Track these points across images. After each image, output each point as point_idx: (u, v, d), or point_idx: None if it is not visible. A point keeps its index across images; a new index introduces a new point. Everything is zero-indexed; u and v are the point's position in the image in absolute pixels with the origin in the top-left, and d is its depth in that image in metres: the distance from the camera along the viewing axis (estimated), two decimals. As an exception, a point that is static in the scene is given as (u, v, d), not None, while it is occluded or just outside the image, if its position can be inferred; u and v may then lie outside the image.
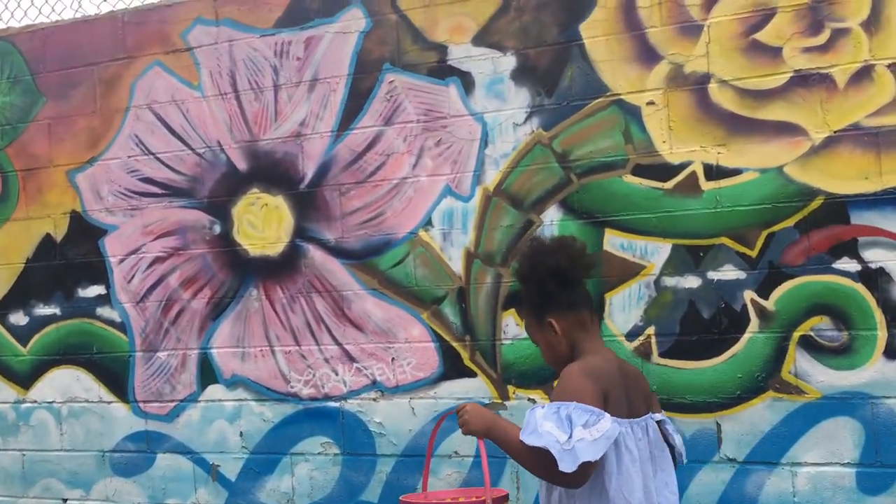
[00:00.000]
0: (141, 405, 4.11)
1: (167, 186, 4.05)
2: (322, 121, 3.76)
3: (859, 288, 3.01)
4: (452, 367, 3.56)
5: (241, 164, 3.91)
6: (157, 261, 4.07)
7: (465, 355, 3.55)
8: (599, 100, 3.32)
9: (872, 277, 2.99)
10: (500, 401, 3.51)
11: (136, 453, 4.12)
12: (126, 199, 4.13)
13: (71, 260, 4.24)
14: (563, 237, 2.78)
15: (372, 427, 3.69)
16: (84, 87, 4.18)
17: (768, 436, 3.13)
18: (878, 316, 2.98)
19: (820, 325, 3.06)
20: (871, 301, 2.99)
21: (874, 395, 2.99)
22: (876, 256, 2.98)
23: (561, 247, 2.40)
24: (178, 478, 4.03)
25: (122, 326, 4.14)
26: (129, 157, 4.12)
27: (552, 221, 3.41)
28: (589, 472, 2.13)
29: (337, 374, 3.75)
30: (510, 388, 3.49)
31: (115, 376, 4.16)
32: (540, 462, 2.14)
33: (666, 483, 2.31)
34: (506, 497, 2.35)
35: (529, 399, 3.45)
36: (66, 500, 4.26)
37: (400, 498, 2.44)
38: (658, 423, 2.38)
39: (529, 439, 2.13)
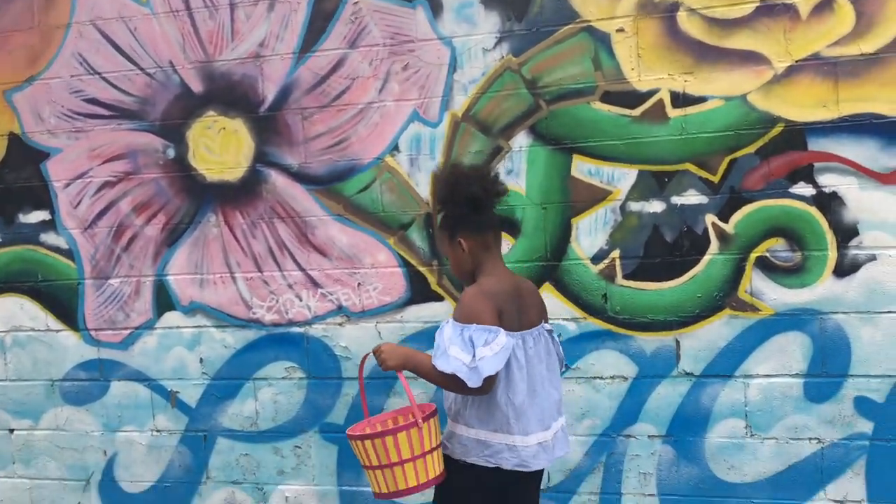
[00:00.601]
0: (92, 333, 4.01)
1: (115, 108, 3.89)
2: (283, 42, 3.66)
3: (813, 211, 3.19)
4: (419, 292, 3.61)
5: (196, 86, 3.79)
6: (106, 185, 3.93)
7: (432, 280, 3.60)
8: (569, 26, 3.35)
9: (826, 201, 3.17)
10: (466, 323, 3.58)
11: (89, 382, 4.04)
12: (70, 120, 3.95)
13: (10, 184, 4.05)
14: (479, 167, 3.02)
15: (337, 351, 3.73)
16: (21, 1, 3.93)
17: (724, 351, 3.33)
18: (830, 237, 3.18)
19: (775, 247, 3.25)
20: (824, 223, 3.18)
21: (823, 311, 3.21)
22: (830, 181, 3.17)
23: (478, 176, 2.71)
24: (135, 405, 3.99)
25: (69, 253, 4.00)
26: (73, 76, 3.93)
27: (521, 147, 3.45)
28: (493, 382, 2.54)
29: (301, 300, 3.75)
30: (477, 311, 3.56)
31: (62, 304, 4.04)
32: (451, 380, 2.53)
33: (551, 381, 2.71)
34: (434, 411, 2.66)
35: (496, 321, 3.54)
36: (13, 430, 4.15)
37: (346, 431, 2.73)
38: (548, 332, 2.78)
39: (441, 365, 2.52)
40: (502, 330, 2.54)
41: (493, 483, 2.62)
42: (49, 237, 4.02)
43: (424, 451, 2.56)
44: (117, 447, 4.03)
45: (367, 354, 2.80)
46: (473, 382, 2.47)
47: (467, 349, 2.48)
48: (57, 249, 4.02)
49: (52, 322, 4.06)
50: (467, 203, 2.64)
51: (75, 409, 4.07)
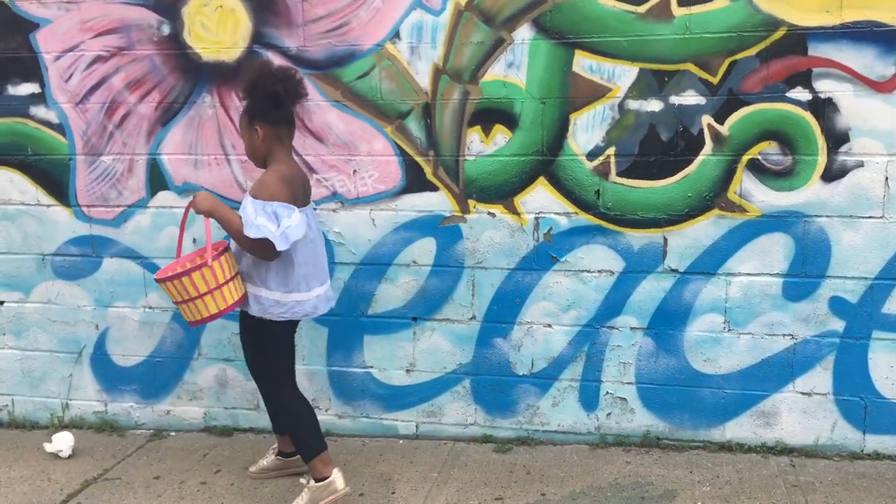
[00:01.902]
0: (84, 209, 4.02)
1: (107, -21, 3.78)
2: (284, -83, 3.56)
3: (807, 116, 3.27)
4: (415, 181, 3.66)
5: (193, -40, 3.68)
6: (98, 60, 3.87)
7: (427, 170, 3.65)
8: (580, -84, 3.30)
9: (820, 107, 3.24)
10: (460, 214, 3.65)
11: (80, 257, 4.07)
12: (60, -10, 3.84)
13: (-3, 55, 3.95)
14: (286, 68, 3.16)
15: (331, 237, 3.79)
16: None
17: (709, 249, 3.45)
18: (821, 142, 3.27)
19: (768, 150, 3.33)
20: (817, 128, 3.26)
21: (808, 213, 3.33)
22: (826, 87, 3.22)
23: (283, 76, 3.05)
24: (127, 282, 4.04)
25: (60, 128, 3.96)
26: (62, -57, 3.79)
27: (523, 40, 3.45)
28: (280, 252, 3.02)
29: (296, 184, 3.77)
30: (471, 203, 3.63)
31: (53, 179, 4.02)
32: (260, 246, 2.99)
33: (322, 250, 3.22)
34: (227, 247, 3.12)
35: (489, 213, 3.62)
36: (3, 302, 4.19)
37: (154, 276, 3.20)
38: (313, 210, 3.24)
39: (252, 233, 2.94)
40: (296, 208, 3.02)
41: (287, 332, 3.23)
42: (39, 111, 3.97)
43: (220, 283, 3.02)
44: (109, 322, 4.10)
45: (191, 203, 3.11)
46: (281, 246, 2.96)
47: (273, 220, 2.94)
48: (47, 123, 3.97)
49: (43, 197, 4.05)
50: (268, 97, 3.01)
51: (67, 283, 4.11)
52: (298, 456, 3.34)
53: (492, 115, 3.53)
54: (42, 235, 4.08)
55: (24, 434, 4.12)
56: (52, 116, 3.95)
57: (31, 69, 3.92)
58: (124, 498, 3.43)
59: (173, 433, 4.04)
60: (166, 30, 3.76)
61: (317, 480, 3.14)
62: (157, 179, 3.90)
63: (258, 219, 2.95)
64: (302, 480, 3.23)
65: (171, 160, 3.87)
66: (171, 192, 3.91)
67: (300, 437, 3.18)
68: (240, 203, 3.75)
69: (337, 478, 3.14)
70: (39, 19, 3.87)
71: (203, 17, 3.71)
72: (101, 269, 4.06)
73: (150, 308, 4.04)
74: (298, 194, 3.09)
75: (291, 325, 3.24)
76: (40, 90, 3.94)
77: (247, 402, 4.01)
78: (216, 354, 4.02)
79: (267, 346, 3.19)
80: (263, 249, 3.00)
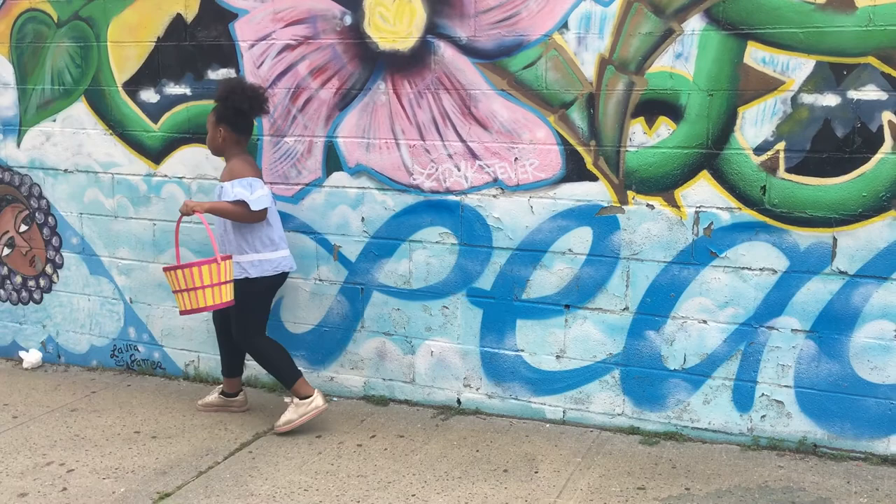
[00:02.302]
0: (268, 186, 4.34)
1: (298, -27, 4.08)
2: (462, -88, 3.70)
3: None
4: (574, 171, 3.71)
5: (376, -46, 3.90)
6: (286, 48, 4.18)
7: (588, 160, 3.69)
8: None
9: None
10: (618, 205, 3.66)
11: (262, 231, 4.40)
12: (257, -17, 4.17)
13: (201, 42, 4.36)
14: (256, 86, 3.93)
15: (490, 221, 3.91)
16: None
17: (883, 252, 3.28)
18: None
19: (955, 151, 3.11)
20: None
21: None
22: None
23: (252, 94, 3.85)
24: (302, 255, 4.35)
25: (251, 111, 4.30)
26: (261, -60, 4.12)
27: (693, 31, 3.41)
28: (265, 214, 3.82)
29: (459, 170, 3.93)
30: (630, 194, 3.64)
31: (244, 158, 4.38)
32: (240, 211, 3.74)
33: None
34: (229, 257, 3.72)
35: (648, 205, 3.61)
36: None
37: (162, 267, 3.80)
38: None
39: (232, 198, 3.72)
40: (262, 183, 3.85)
41: (276, 283, 3.95)
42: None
43: (220, 281, 3.60)
44: (283, 291, 4.42)
45: (183, 212, 3.75)
46: (257, 206, 3.73)
47: (249, 190, 3.73)
48: (239, 106, 4.32)
49: (233, 173, 4.41)
50: (234, 110, 3.81)
51: (249, 253, 4.46)
52: (238, 397, 4.18)
53: (656, 106, 3.52)
54: (230, 208, 4.45)
55: (207, 388, 4.54)
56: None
57: (229, 56, 4.30)
58: (290, 451, 3.72)
59: (336, 398, 4.32)
60: (348, 20, 4.01)
61: (301, 398, 3.83)
62: (332, 161, 4.18)
63: (236, 189, 3.74)
64: (286, 399, 3.96)
65: (345, 143, 4.13)
66: (344, 172, 4.17)
67: (278, 369, 3.89)
68: (405, 186, 3.98)
69: (317, 396, 3.87)
70: (238, 10, 4.24)
71: (382, 8, 3.93)
72: (279, 242, 4.37)
73: (321, 280, 4.33)
74: (256, 170, 3.91)
75: (275, 285, 3.96)
76: (235, 75, 4.30)
77: (403, 375, 4.21)
78: (377, 328, 4.26)
79: (252, 302, 3.86)
80: (243, 213, 3.76)
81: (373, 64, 4.00)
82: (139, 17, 4.44)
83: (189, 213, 3.78)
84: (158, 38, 4.42)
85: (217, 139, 3.89)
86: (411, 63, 3.92)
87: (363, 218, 4.16)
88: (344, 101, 4.10)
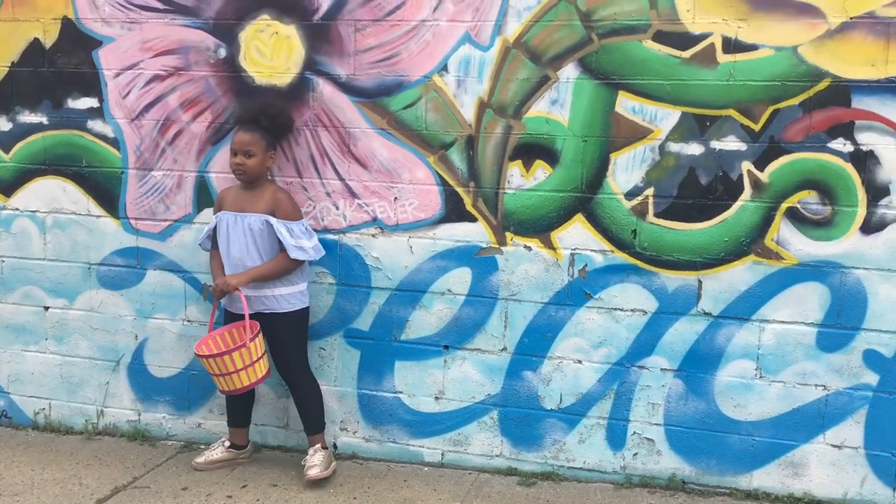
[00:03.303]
0: (132, 222, 4.14)
1: (170, 2, 3.94)
2: (342, -49, 3.69)
3: (848, 168, 3.28)
4: (454, 211, 3.72)
5: (252, -12, 3.82)
6: (155, 79, 4.01)
7: (467, 201, 3.71)
8: (630, -39, 3.37)
9: (862, 159, 3.25)
10: (496, 246, 3.70)
11: (125, 268, 4.19)
12: (125, 10, 4.00)
13: (61, 69, 4.12)
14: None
15: (369, 261, 3.85)
16: None
17: (744, 295, 3.45)
18: (861, 194, 3.27)
19: (807, 199, 3.34)
20: (857, 180, 3.27)
21: (845, 265, 3.32)
22: (869, 140, 3.24)
23: (290, 118, 3.75)
24: (169, 294, 4.14)
25: (115, 142, 4.10)
26: (130, -34, 3.95)
27: (568, 79, 3.52)
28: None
29: (338, 209, 3.86)
30: (508, 235, 3.68)
31: (105, 191, 4.16)
32: (286, 266, 3.64)
33: None
34: (259, 331, 3.61)
35: (526, 247, 3.66)
36: (48, 307, 4.31)
37: (195, 351, 3.66)
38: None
39: (299, 255, 3.61)
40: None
41: (308, 314, 3.79)
42: (96, 124, 4.11)
43: (253, 360, 3.54)
44: (148, 333, 4.20)
45: (217, 293, 3.65)
46: (318, 257, 3.70)
47: (308, 236, 3.65)
48: (103, 137, 4.11)
49: (94, 207, 4.18)
50: (289, 130, 3.74)
51: (110, 293, 4.22)
52: (247, 448, 3.91)
53: (533, 150, 3.59)
54: (90, 245, 4.21)
55: (59, 438, 4.21)
56: (108, 131, 4.10)
57: (92, 84, 4.08)
58: (152, 506, 3.49)
59: (203, 446, 4.10)
60: (223, 53, 3.89)
61: (323, 447, 3.71)
62: (204, 196, 4.02)
63: (300, 241, 3.60)
64: (311, 451, 3.72)
65: (219, 178, 3.98)
66: (216, 209, 4.00)
67: (319, 408, 3.76)
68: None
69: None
70: (103, 37, 4.04)
71: (259, 42, 3.84)
72: (144, 281, 4.17)
73: (189, 321, 4.13)
74: None
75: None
76: (98, 105, 4.09)
77: (276, 419, 4.06)
78: (249, 371, 4.08)
79: (301, 334, 3.76)
80: (295, 264, 3.65)
81: (249, 98, 3.89)
82: (-8, 39, 4.15)
83: (231, 292, 3.59)
84: (13, 63, 4.15)
85: (264, 166, 3.66)
86: (288, 99, 3.84)
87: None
88: (217, 136, 3.96)
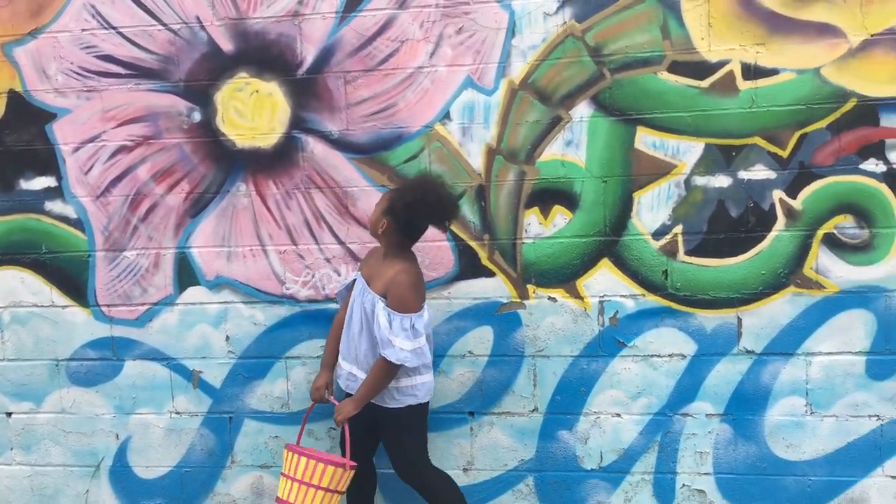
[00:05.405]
0: (104, 309, 3.73)
1: (133, 66, 3.60)
2: (324, 0, 3.43)
3: (883, 188, 3.18)
4: (469, 267, 3.47)
5: (226, 45, 3.53)
6: (121, 150, 3.64)
7: (482, 254, 3.46)
8: (637, -8, 3.23)
9: (896, 178, 3.16)
10: (518, 300, 3.46)
11: (100, 361, 3.77)
12: (81, 78, 3.63)
13: (10, 147, 3.71)
14: (446, 198, 3.12)
15: (378, 328, 3.54)
16: (27, -56, 3.59)
17: (786, 328, 3.30)
18: (899, 215, 3.17)
19: (843, 224, 3.22)
20: (893, 200, 3.17)
21: (889, 288, 3.21)
22: (901, 158, 3.15)
23: (439, 210, 3.06)
24: (152, 386, 3.74)
25: (79, 223, 3.71)
26: (84, 30, 3.61)
27: (581, 118, 3.33)
28: None
29: (340, 275, 3.56)
30: (530, 288, 3.45)
31: (70, 278, 3.74)
32: (386, 374, 3.07)
33: None
34: (354, 468, 3.14)
35: (550, 298, 3.43)
36: (11, 413, 3.85)
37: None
38: None
39: (391, 356, 3.02)
40: (426, 308, 3.11)
41: (420, 411, 3.20)
42: (55, 205, 3.71)
43: (335, 489, 3.07)
44: (131, 430, 3.78)
45: (339, 420, 3.16)
46: (413, 363, 3.05)
47: (409, 338, 3.01)
48: (64, 219, 3.71)
49: (58, 297, 3.76)
50: (407, 221, 3.06)
51: (84, 390, 3.79)
52: None
53: (550, 195, 3.38)
54: (56, 339, 3.78)
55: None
56: (69, 211, 3.70)
57: (48, 162, 3.69)
58: None
59: (206, 551, 3.69)
60: (197, 116, 3.56)
61: None
62: (186, 274, 3.65)
63: (397, 340, 3.01)
64: None
65: (201, 253, 3.63)
66: (202, 287, 3.65)
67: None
68: (278, 297, 3.53)
69: None
70: (57, 109, 3.66)
71: (237, 103, 3.54)
72: (122, 374, 3.76)
73: (178, 413, 3.73)
74: (424, 288, 3.15)
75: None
76: (57, 184, 3.69)
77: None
78: (252, 461, 3.71)
79: (408, 435, 3.19)
80: (395, 371, 3.08)
81: (230, 164, 3.57)
82: (-72, 119, 3.71)
83: (344, 420, 3.13)
84: (-46, 143, 3.72)
85: (377, 227, 3.10)
86: (276, 161, 3.54)
87: (228, 337, 3.65)
88: (197, 207, 3.61)
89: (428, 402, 3.21)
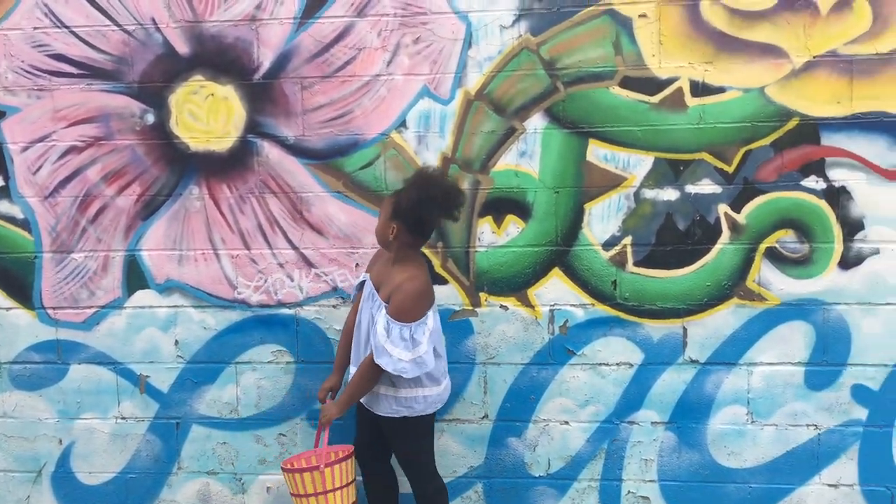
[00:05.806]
0: (50, 312, 3.67)
1: (85, 66, 3.56)
2: (283, 6, 3.44)
3: (822, 205, 3.29)
4: (422, 274, 3.48)
5: (182, 48, 3.51)
6: (72, 150, 3.59)
7: (436, 262, 3.49)
8: (591, 8, 3.31)
9: (835, 195, 3.27)
10: (470, 308, 3.49)
11: (44, 365, 3.70)
12: (31, 77, 3.58)
13: (-45, 145, 3.63)
14: (450, 188, 3.07)
15: (331, 335, 3.56)
16: (-21, -61, 3.53)
17: (729, 339, 3.38)
18: (837, 230, 3.29)
19: (785, 238, 3.32)
20: (832, 217, 3.29)
21: (827, 301, 3.32)
22: (840, 176, 3.27)
23: (456, 202, 3.03)
24: (98, 390, 3.68)
25: (26, 224, 3.64)
26: (36, 28, 3.56)
27: (535, 129, 3.39)
28: None
29: (293, 280, 3.55)
30: (482, 296, 3.49)
31: (15, 279, 3.67)
32: (374, 376, 3.01)
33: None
34: (351, 453, 3.16)
35: (502, 306, 3.47)
36: (-51, 419, 3.75)
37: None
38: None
39: (384, 364, 2.94)
40: (430, 314, 3.02)
41: (432, 422, 3.19)
42: (1, 205, 3.65)
43: (327, 489, 3.05)
44: (75, 436, 3.71)
45: (324, 422, 3.12)
46: (412, 374, 2.96)
47: (408, 348, 2.93)
48: (11, 219, 3.65)
49: (2, 299, 3.70)
50: (415, 218, 2.98)
51: (26, 394, 3.72)
52: None
53: (504, 204, 3.43)
54: (-1, 341, 3.70)
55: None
56: (16, 211, 3.63)
57: (-6, 160, 3.62)
58: None
59: (150, 559, 3.63)
60: (150, 118, 3.53)
61: None
62: (135, 277, 3.61)
63: (395, 350, 2.93)
64: None
65: (152, 256, 3.59)
66: (151, 290, 3.62)
67: None
68: (229, 302, 3.51)
69: None
70: (6, 107, 3.60)
71: (192, 106, 3.52)
72: (66, 377, 3.69)
73: (124, 419, 3.68)
74: (432, 296, 3.07)
75: (433, 421, 3.22)
76: (4, 183, 3.63)
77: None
78: (199, 467, 3.68)
79: (409, 446, 3.15)
80: (381, 376, 3.02)
81: (183, 167, 3.54)
82: None
83: (330, 420, 3.10)
84: None
85: (387, 234, 3.02)
86: (230, 165, 3.52)
87: (177, 341, 3.62)
88: (148, 210, 3.58)
89: (432, 414, 3.14)
